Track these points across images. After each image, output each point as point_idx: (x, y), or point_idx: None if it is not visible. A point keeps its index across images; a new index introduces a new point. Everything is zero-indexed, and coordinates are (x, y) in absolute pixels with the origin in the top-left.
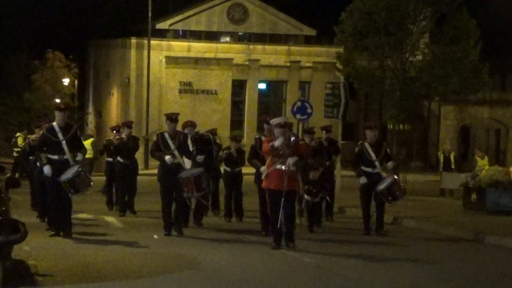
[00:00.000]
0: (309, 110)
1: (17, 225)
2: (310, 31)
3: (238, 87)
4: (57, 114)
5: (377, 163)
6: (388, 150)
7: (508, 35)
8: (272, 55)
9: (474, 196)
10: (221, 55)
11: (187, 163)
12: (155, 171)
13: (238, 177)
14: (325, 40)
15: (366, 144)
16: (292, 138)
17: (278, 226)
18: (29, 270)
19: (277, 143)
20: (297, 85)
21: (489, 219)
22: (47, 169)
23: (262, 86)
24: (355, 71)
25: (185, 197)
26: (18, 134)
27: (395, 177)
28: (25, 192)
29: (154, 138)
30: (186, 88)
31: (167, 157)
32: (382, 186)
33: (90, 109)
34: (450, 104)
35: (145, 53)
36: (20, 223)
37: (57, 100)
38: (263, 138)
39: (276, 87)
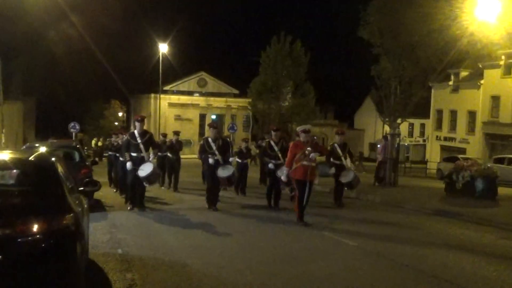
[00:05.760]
0: (235, 128)
1: (97, 182)
2: (235, 90)
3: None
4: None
5: (343, 158)
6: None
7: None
8: (218, 102)
9: None
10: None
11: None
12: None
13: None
14: (243, 94)
15: (335, 145)
16: (314, 137)
17: (304, 204)
18: None
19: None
20: (230, 116)
21: None
22: None
23: (213, 116)
24: (257, 111)
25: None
26: None
27: (354, 173)
28: None
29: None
30: (177, 118)
31: (210, 160)
32: (345, 180)
33: None
34: None
35: (158, 101)
36: (98, 181)
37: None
38: (271, 142)
39: (220, 118)
